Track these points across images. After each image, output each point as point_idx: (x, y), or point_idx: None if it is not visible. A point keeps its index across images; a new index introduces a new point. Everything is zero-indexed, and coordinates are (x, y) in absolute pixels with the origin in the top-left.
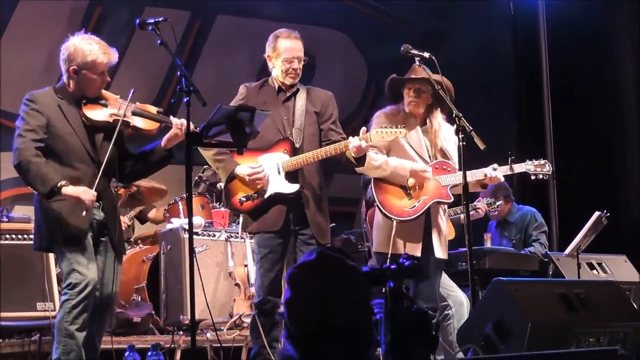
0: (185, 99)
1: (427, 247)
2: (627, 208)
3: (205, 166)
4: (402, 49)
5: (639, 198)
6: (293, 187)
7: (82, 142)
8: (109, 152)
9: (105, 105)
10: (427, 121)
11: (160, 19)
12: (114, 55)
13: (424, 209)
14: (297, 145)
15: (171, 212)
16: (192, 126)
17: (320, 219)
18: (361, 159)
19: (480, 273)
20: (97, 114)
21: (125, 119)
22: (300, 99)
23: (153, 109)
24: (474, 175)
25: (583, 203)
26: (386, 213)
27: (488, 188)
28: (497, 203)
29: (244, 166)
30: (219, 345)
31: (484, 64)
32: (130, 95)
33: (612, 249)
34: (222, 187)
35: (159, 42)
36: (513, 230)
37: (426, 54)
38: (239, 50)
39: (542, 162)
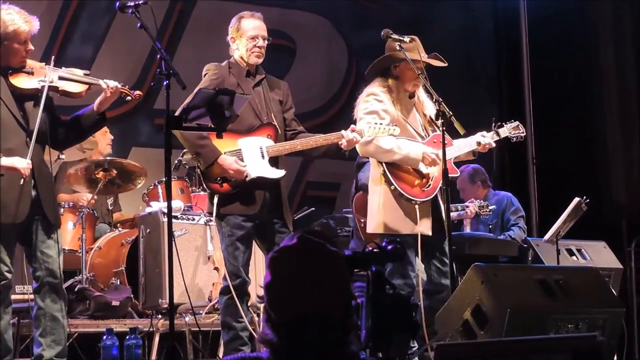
0: (164, 82)
1: (438, 226)
2: (607, 194)
3: (185, 150)
4: (382, 33)
5: (619, 184)
6: (279, 173)
7: (12, 112)
8: (38, 119)
9: (32, 73)
10: (414, 93)
11: (140, 2)
12: (35, 24)
13: (438, 187)
14: (280, 132)
15: (150, 196)
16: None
17: (288, 207)
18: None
19: (459, 259)
20: (24, 82)
21: (53, 84)
22: (266, 86)
23: (80, 72)
24: (467, 145)
25: (563, 189)
26: (408, 196)
27: (465, 173)
28: (490, 207)
29: (230, 158)
30: (198, 329)
31: (464, 48)
32: (53, 60)
33: (591, 235)
34: (201, 170)
35: (139, 25)
36: (490, 216)
37: (407, 39)
38: (219, 34)
39: (515, 123)
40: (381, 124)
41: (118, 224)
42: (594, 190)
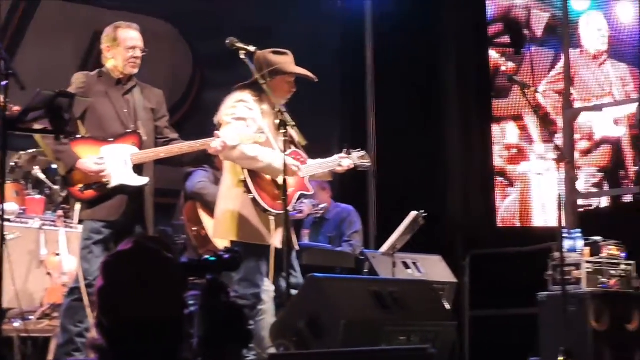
0: (3, 83)
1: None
2: (445, 209)
3: (21, 152)
4: (227, 41)
5: (456, 200)
6: (142, 180)
7: None
8: None
9: None
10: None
11: None
12: None
13: (293, 202)
14: (146, 140)
15: None
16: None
17: (152, 215)
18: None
19: None
20: None
21: None
22: (137, 94)
23: None
24: (328, 165)
25: (402, 202)
26: (265, 207)
27: (316, 182)
28: (321, 206)
29: (88, 161)
30: (27, 335)
31: (310, 59)
32: None
33: (428, 249)
34: (62, 176)
35: None
36: (329, 227)
37: (252, 48)
38: (64, 36)
39: (362, 153)
40: (249, 128)
41: None
42: (432, 204)
